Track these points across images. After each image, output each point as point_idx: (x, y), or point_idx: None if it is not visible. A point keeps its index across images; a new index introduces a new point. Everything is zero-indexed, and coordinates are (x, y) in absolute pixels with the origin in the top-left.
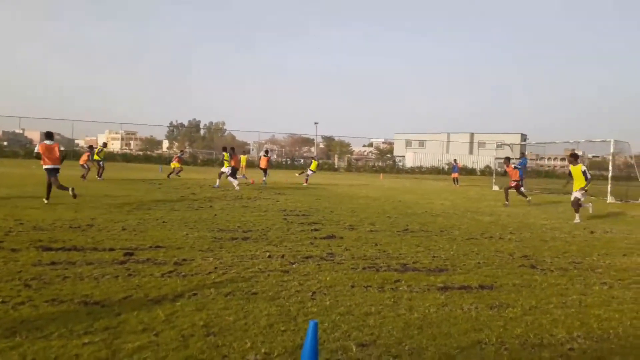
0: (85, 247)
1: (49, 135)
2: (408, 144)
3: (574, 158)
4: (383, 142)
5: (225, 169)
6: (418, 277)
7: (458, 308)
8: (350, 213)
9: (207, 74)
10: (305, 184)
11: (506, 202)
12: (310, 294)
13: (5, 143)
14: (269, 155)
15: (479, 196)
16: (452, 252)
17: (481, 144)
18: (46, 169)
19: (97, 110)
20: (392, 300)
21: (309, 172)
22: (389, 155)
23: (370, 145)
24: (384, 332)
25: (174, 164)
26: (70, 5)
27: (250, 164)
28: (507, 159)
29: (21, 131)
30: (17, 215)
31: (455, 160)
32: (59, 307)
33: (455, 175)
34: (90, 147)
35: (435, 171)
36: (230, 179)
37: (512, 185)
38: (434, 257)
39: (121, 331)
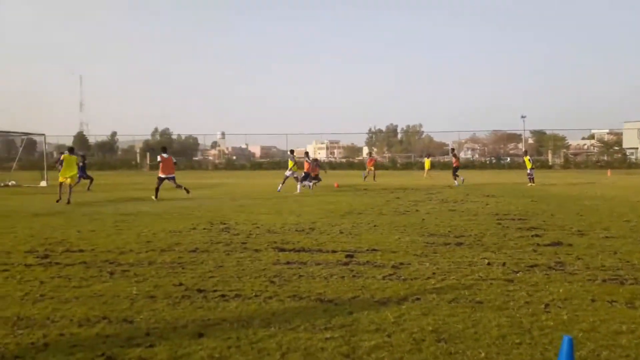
0: (312, 248)
1: (164, 150)
2: None
3: None
4: (608, 133)
5: (288, 172)
6: None
7: None
8: (576, 216)
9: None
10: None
11: None
12: (543, 306)
13: (234, 157)
14: (309, 159)
15: None
16: None
17: None
18: (160, 178)
19: (306, 123)
20: None
21: (287, 174)
22: (616, 148)
23: (592, 137)
24: None
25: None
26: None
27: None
28: None
29: (245, 146)
30: (253, 219)
31: None
32: (300, 303)
33: None
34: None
35: None
36: (303, 182)
37: None
38: None
39: (356, 329)
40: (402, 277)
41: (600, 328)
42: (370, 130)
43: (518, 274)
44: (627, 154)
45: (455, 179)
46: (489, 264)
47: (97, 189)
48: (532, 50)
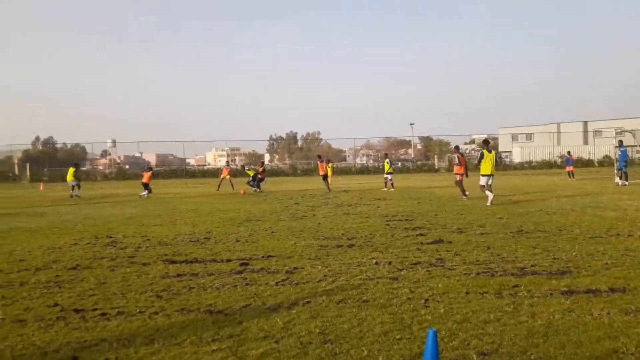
0: (205, 259)
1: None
2: (514, 138)
3: None
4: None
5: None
6: (538, 281)
7: (587, 314)
8: (457, 215)
9: (302, 85)
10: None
11: None
12: (423, 301)
13: (127, 166)
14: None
15: (599, 190)
16: (574, 253)
17: (597, 133)
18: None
19: (203, 130)
20: (512, 306)
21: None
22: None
23: (472, 142)
24: (506, 340)
25: (224, 175)
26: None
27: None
28: None
29: (140, 154)
30: (143, 232)
31: (568, 152)
32: (188, 316)
33: (570, 168)
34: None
35: (547, 165)
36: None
37: None
38: (554, 259)
39: (245, 338)
40: (295, 282)
41: (472, 318)
42: (271, 137)
43: (402, 272)
44: (503, 156)
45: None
46: (376, 263)
47: None
48: (421, 61)
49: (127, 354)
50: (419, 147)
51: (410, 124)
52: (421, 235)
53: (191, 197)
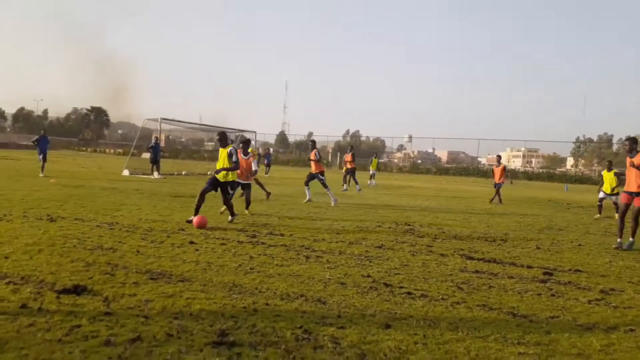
0: (504, 260)
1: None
2: None
3: None
4: None
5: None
6: None
7: None
8: None
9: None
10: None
11: None
12: None
13: (419, 161)
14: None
15: None
16: None
17: None
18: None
19: (500, 128)
20: None
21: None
22: None
23: None
24: None
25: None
26: None
27: None
28: None
29: (432, 150)
30: (438, 224)
31: None
32: (490, 313)
33: None
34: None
35: None
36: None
37: None
38: None
39: (554, 350)
40: (613, 305)
41: None
42: (577, 139)
43: None
44: None
45: None
46: None
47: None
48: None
49: (433, 335)
50: None
51: None
52: None
53: (481, 197)
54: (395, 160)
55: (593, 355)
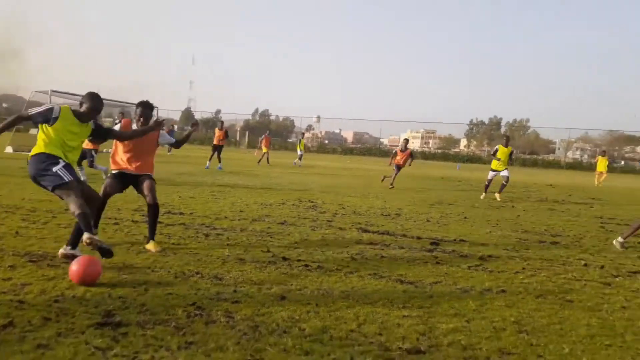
0: (396, 233)
1: None
2: None
3: None
4: None
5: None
6: None
7: None
8: None
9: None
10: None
11: None
12: None
13: (326, 141)
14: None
15: None
16: None
17: None
18: None
19: (401, 110)
20: None
21: (299, 153)
22: None
23: None
24: None
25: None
26: None
27: None
28: None
29: (339, 131)
30: (339, 200)
31: None
32: (379, 281)
33: None
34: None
35: None
36: None
37: None
38: None
39: (435, 312)
40: (489, 269)
41: None
42: (471, 121)
43: (617, 279)
44: None
45: None
46: (585, 265)
47: (199, 162)
48: None
49: (325, 302)
50: None
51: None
52: None
53: (381, 175)
54: (304, 140)
55: (468, 314)
